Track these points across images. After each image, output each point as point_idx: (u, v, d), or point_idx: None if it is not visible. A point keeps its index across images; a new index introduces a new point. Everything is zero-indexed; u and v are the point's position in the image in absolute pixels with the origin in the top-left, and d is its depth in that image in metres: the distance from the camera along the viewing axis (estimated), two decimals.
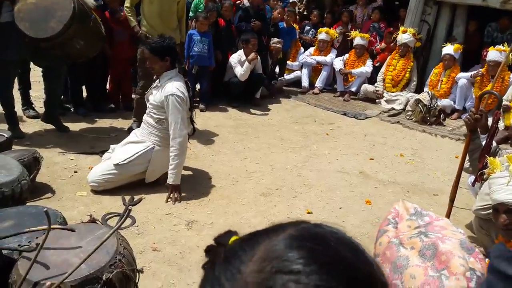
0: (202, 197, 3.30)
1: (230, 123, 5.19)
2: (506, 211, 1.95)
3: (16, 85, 4.37)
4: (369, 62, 6.83)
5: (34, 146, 3.82)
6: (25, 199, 2.52)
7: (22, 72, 4.56)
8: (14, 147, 3.55)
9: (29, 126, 4.40)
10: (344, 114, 5.96)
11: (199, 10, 5.49)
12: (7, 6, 3.59)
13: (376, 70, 6.81)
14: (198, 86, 5.81)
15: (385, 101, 6.54)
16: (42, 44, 3.63)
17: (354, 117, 5.89)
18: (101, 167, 3.19)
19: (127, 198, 3.17)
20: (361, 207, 3.42)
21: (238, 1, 6.35)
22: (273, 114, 5.71)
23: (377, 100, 6.62)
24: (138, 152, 3.21)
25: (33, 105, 4.77)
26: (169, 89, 3.11)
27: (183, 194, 3.26)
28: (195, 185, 3.47)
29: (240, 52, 5.71)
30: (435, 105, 5.82)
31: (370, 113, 6.12)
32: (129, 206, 3.03)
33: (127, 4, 4.36)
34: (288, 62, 7.06)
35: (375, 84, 6.69)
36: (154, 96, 3.23)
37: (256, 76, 5.84)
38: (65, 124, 4.39)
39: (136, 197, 3.20)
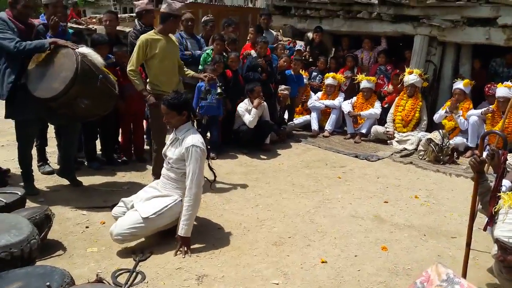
0: (213, 249, 3.24)
1: (241, 169, 5.20)
2: (500, 247, 1.88)
3: None
4: (377, 104, 6.87)
5: (48, 202, 3.88)
6: (34, 258, 2.52)
7: (40, 130, 4.72)
8: (28, 204, 3.61)
9: (44, 182, 4.47)
10: (356, 156, 5.93)
11: (207, 63, 5.67)
12: (25, 68, 3.76)
13: (385, 111, 6.84)
14: (208, 135, 5.89)
15: (397, 141, 6.50)
16: (51, 104, 3.74)
17: (366, 159, 5.85)
18: (128, 220, 3.15)
19: (137, 253, 3.14)
20: (377, 254, 3.31)
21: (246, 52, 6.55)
22: (283, 159, 5.72)
23: (388, 141, 6.59)
24: (166, 206, 3.21)
25: (48, 161, 4.87)
26: (190, 140, 3.19)
27: (193, 246, 3.21)
28: (205, 236, 3.43)
29: (247, 101, 5.86)
30: (447, 144, 5.75)
31: (382, 154, 6.08)
32: (139, 262, 2.99)
33: (131, 67, 4.21)
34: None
35: (385, 125, 6.70)
36: (174, 151, 3.28)
37: (264, 123, 5.93)
38: (79, 178, 4.45)
39: (146, 252, 3.16)
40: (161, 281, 2.82)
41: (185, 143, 3.20)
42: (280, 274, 2.94)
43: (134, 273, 2.86)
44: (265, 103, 5.98)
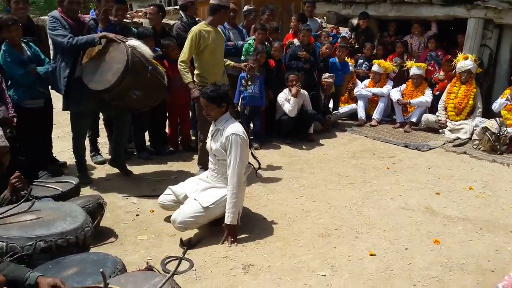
0: (258, 239, 3.24)
1: (285, 160, 5.16)
2: None
3: None
4: (428, 92, 6.57)
5: (100, 190, 4.05)
6: (88, 245, 2.61)
7: (93, 121, 4.92)
8: (82, 192, 3.77)
9: (96, 171, 4.66)
10: (406, 146, 5.71)
11: (250, 53, 5.64)
12: (78, 63, 3.91)
13: (436, 99, 6.52)
14: (251, 126, 5.89)
15: (449, 130, 6.19)
16: (104, 95, 3.88)
17: (416, 148, 5.62)
18: (190, 209, 3.22)
19: (185, 241, 3.20)
20: (429, 247, 3.18)
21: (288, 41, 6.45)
22: (328, 149, 5.61)
23: (440, 130, 6.30)
24: (224, 196, 3.26)
25: (100, 152, 5.07)
26: (230, 129, 3.20)
27: (239, 236, 3.23)
28: (250, 226, 3.43)
29: (286, 90, 5.78)
30: (505, 132, 5.40)
31: (433, 144, 5.81)
32: (187, 250, 3.04)
33: (182, 58, 4.20)
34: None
35: (437, 113, 6.39)
36: (216, 143, 3.30)
37: (305, 112, 5.85)
38: (129, 167, 4.60)
39: (194, 240, 3.22)
40: (208, 269, 2.86)
41: (225, 133, 3.21)
42: (327, 265, 2.90)
43: (182, 261, 2.92)
44: (305, 91, 5.88)
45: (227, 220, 3.19)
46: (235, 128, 3.23)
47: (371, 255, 3.04)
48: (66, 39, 3.80)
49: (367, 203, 3.93)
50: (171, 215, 3.31)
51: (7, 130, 3.57)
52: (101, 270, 1.72)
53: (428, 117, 6.39)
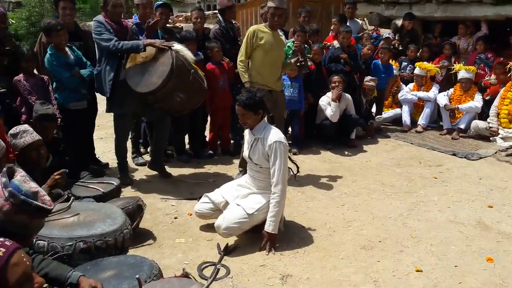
0: (297, 248, 3.13)
1: (325, 166, 5.01)
2: None
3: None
4: (478, 96, 6.21)
5: (140, 192, 4.09)
6: (127, 247, 2.62)
7: (135, 124, 5.01)
8: (123, 193, 3.81)
9: (137, 172, 4.72)
10: (454, 154, 5.41)
11: (289, 56, 5.54)
12: (122, 66, 3.98)
13: (486, 104, 6.15)
14: (289, 130, 5.79)
15: (501, 138, 5.82)
16: (149, 97, 3.93)
17: (465, 157, 5.31)
18: (234, 215, 3.15)
19: (223, 245, 3.14)
20: (481, 266, 2.94)
21: (328, 43, 6.30)
22: (371, 156, 5.41)
23: (491, 138, 5.93)
24: (267, 202, 3.19)
25: (141, 153, 5.15)
26: (273, 137, 3.12)
27: (276, 244, 3.13)
28: (289, 234, 3.33)
29: (329, 94, 5.61)
30: None
31: (484, 152, 5.48)
32: (224, 256, 2.99)
33: (241, 57, 4.29)
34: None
35: (488, 120, 6.01)
36: (256, 153, 3.20)
37: (348, 117, 5.66)
38: (168, 170, 4.62)
39: (231, 246, 3.15)
40: (245, 277, 2.78)
41: (268, 140, 3.12)
42: (369, 280, 2.74)
43: (219, 267, 2.86)
44: (349, 95, 5.70)
45: (268, 228, 3.10)
46: (278, 135, 3.15)
47: (417, 271, 2.85)
48: (112, 43, 3.86)
49: (413, 215, 3.72)
50: (209, 221, 3.27)
51: (54, 131, 3.68)
52: (137, 276, 1.69)
53: (478, 123, 6.04)
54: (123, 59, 4.00)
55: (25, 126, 3.10)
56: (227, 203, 3.34)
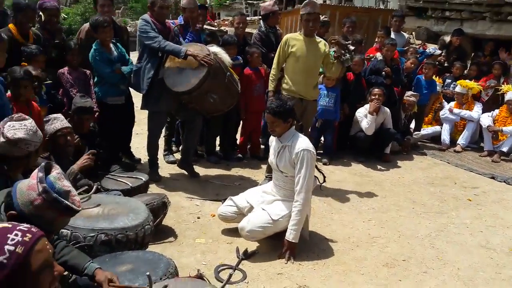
0: (317, 260, 3.08)
1: (355, 179, 4.91)
2: None
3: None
4: None
5: (167, 189, 4.16)
6: (147, 243, 2.66)
7: (170, 122, 5.12)
8: (151, 189, 3.89)
9: (167, 170, 4.81)
10: (492, 178, 5.16)
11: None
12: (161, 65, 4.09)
13: None
14: (322, 140, 5.72)
15: None
16: (183, 97, 4.01)
17: (504, 181, 5.05)
18: (259, 219, 3.16)
19: (242, 249, 3.14)
20: None
21: (371, 55, 6.19)
22: (404, 173, 5.25)
23: None
24: (291, 210, 3.17)
25: (173, 152, 5.25)
26: (301, 145, 3.10)
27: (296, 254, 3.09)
28: (310, 244, 3.28)
29: (367, 106, 5.49)
30: None
31: None
32: (242, 260, 2.99)
33: (273, 66, 4.38)
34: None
35: None
36: (283, 160, 3.17)
37: (385, 131, 5.52)
38: (197, 170, 4.69)
39: (250, 250, 3.15)
40: (261, 284, 2.76)
41: (295, 148, 3.09)
42: None
43: (236, 271, 2.86)
44: (387, 109, 5.57)
45: (289, 236, 3.07)
46: (305, 143, 3.12)
47: None
48: (157, 40, 3.97)
49: (442, 236, 3.58)
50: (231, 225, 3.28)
51: (90, 124, 3.82)
52: (147, 273, 1.72)
53: None
54: (163, 59, 4.11)
55: (58, 114, 3.24)
56: (251, 208, 3.34)
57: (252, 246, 3.20)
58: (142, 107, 4.33)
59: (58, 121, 3.14)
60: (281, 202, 3.25)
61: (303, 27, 4.31)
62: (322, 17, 6.16)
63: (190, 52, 3.93)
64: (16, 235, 1.24)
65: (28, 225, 1.36)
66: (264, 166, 4.77)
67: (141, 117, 6.42)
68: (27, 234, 1.28)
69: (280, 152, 3.20)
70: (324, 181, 3.47)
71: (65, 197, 1.73)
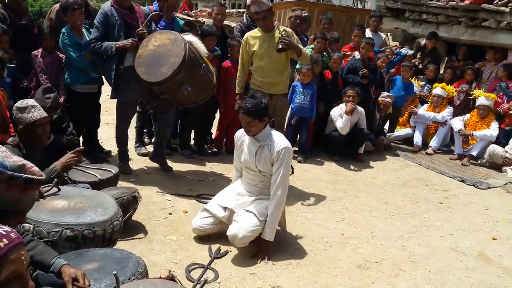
0: (290, 260, 3.03)
1: (329, 178, 4.91)
2: None
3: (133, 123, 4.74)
4: (494, 125, 6.04)
5: (138, 183, 4.02)
6: (115, 240, 2.54)
7: (142, 112, 4.93)
8: (120, 182, 3.74)
9: (138, 163, 4.65)
10: (462, 181, 5.27)
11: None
12: (130, 51, 3.89)
13: (506, 135, 5.97)
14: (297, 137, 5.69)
15: None
16: (155, 88, 3.84)
17: (473, 185, 5.16)
18: (249, 223, 3.00)
19: (214, 248, 3.06)
20: None
21: (349, 53, 6.19)
22: (377, 173, 5.29)
23: (502, 168, 5.77)
24: None
25: (145, 144, 5.08)
26: (282, 143, 3.03)
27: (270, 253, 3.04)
28: (283, 244, 3.23)
29: (342, 106, 5.48)
30: None
31: (493, 182, 5.32)
32: (214, 259, 2.91)
33: (239, 70, 4.27)
34: None
35: (506, 148, 5.80)
36: (264, 159, 3.06)
37: (359, 131, 5.54)
38: (170, 164, 4.55)
39: (223, 249, 3.07)
40: (233, 284, 2.69)
41: (276, 147, 3.01)
42: None
43: (208, 270, 2.78)
44: (362, 109, 5.58)
45: (264, 235, 3.01)
46: (285, 141, 3.08)
47: None
48: (92, 42, 3.85)
49: (413, 238, 3.61)
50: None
51: (53, 117, 3.60)
52: (114, 272, 1.62)
53: (495, 148, 5.81)
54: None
55: (33, 101, 3.02)
56: (232, 213, 3.15)
57: (225, 245, 3.11)
58: (111, 97, 4.16)
59: (36, 110, 2.91)
60: (261, 201, 3.13)
61: (259, 23, 4.11)
62: (303, 13, 6.14)
63: (119, 45, 3.80)
64: None
65: (8, 229, 1.25)
66: None
67: (112, 106, 6.21)
68: (4, 240, 1.18)
69: (258, 152, 3.09)
70: (292, 172, 3.40)
71: (20, 171, 1.60)
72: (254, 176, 3.19)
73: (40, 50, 3.98)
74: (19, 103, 2.95)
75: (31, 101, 3.00)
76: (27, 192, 1.62)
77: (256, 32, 4.16)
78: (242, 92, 4.28)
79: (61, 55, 4.13)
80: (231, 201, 3.21)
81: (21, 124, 2.90)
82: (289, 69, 4.36)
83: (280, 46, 3.97)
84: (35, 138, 2.95)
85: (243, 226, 2.98)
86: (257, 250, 3.03)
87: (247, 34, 4.21)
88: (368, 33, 6.61)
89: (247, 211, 3.07)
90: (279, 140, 3.05)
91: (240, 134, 3.27)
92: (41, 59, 3.94)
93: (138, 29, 3.86)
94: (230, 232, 3.01)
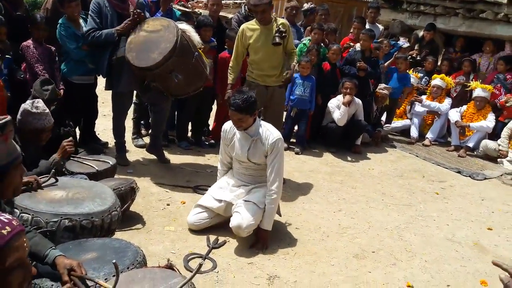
0: (287, 249, 3.06)
1: (326, 169, 4.92)
2: None
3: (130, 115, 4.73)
4: (491, 117, 6.06)
5: (136, 174, 4.01)
6: (113, 230, 2.54)
7: (139, 103, 4.91)
8: (118, 174, 3.74)
9: (135, 154, 4.64)
10: (458, 172, 5.30)
11: (303, 53, 5.44)
12: (123, 41, 3.84)
13: (502, 127, 6.00)
14: (295, 128, 5.69)
15: (509, 161, 5.69)
16: (145, 73, 3.77)
17: (470, 176, 5.20)
18: (250, 212, 3.00)
19: (212, 238, 3.07)
20: (474, 287, 2.86)
21: (349, 45, 6.18)
22: (374, 164, 5.31)
23: (498, 160, 5.80)
24: None
25: (142, 135, 5.07)
26: (274, 134, 3.04)
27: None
28: (281, 234, 3.25)
29: (340, 97, 5.48)
30: None
31: (489, 173, 5.36)
32: (212, 249, 2.92)
33: (232, 60, 4.20)
34: None
35: (498, 141, 5.87)
36: (257, 152, 3.07)
37: (356, 122, 5.54)
38: (167, 156, 4.54)
39: (221, 239, 3.08)
40: (231, 274, 2.71)
41: (269, 139, 3.02)
42: None
43: (206, 260, 2.80)
44: (359, 100, 5.57)
45: (262, 224, 3.03)
46: (276, 132, 3.09)
47: (408, 286, 2.78)
48: (89, 33, 3.82)
49: (410, 228, 3.63)
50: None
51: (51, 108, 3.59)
52: (114, 261, 1.63)
53: (488, 143, 5.90)
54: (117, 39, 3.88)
55: (43, 106, 2.94)
56: (229, 204, 3.16)
57: (223, 235, 3.13)
58: (106, 88, 4.13)
59: (46, 119, 2.90)
60: (258, 189, 3.16)
61: (256, 17, 4.07)
62: (308, 5, 6.11)
63: (119, 29, 3.78)
64: None
65: (9, 217, 1.25)
66: None
67: (108, 98, 6.18)
68: (6, 227, 1.18)
69: (251, 146, 3.09)
70: (284, 182, 3.46)
71: None
72: (248, 166, 3.20)
73: (30, 41, 3.94)
74: (29, 106, 2.88)
75: (42, 106, 2.92)
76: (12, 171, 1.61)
77: (253, 24, 4.10)
78: (234, 83, 4.24)
79: (50, 47, 4.08)
80: (227, 194, 3.21)
81: (27, 127, 2.87)
82: (284, 62, 4.33)
83: (276, 40, 3.95)
84: (37, 140, 2.95)
85: (245, 216, 2.99)
86: (256, 239, 3.05)
87: (244, 25, 4.14)
88: (366, 24, 6.58)
89: (246, 201, 3.07)
90: (272, 132, 3.05)
91: (229, 127, 3.22)
92: (34, 50, 3.90)
93: (134, 11, 3.83)
94: (233, 223, 3.01)
